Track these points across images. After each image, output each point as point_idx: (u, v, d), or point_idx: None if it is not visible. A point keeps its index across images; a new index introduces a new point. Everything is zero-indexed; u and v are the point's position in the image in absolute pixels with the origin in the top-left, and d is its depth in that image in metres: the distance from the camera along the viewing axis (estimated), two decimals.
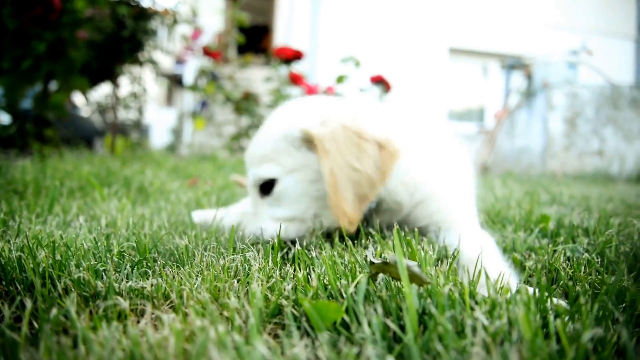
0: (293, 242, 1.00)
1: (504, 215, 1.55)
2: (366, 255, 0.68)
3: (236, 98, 4.75)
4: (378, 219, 1.13)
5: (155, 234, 1.01)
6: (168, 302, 0.67)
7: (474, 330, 0.53)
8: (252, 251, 0.82)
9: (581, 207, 1.88)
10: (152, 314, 0.61)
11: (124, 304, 0.58)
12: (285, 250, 0.96)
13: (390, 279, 0.66)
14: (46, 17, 3.54)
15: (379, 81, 4.13)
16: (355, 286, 0.62)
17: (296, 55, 5.13)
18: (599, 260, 0.91)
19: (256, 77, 5.73)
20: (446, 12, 8.59)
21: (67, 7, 3.93)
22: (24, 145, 3.77)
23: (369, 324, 0.56)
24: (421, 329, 0.58)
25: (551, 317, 0.58)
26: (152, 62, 4.81)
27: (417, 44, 8.39)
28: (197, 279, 0.72)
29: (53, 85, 4.18)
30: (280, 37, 9.06)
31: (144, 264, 0.80)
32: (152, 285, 0.67)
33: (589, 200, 2.17)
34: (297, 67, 5.25)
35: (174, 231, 1.03)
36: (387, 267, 0.63)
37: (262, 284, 0.66)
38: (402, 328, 0.58)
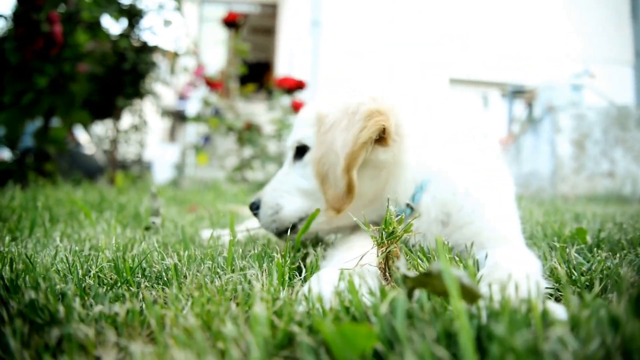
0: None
1: (531, 232, 1.41)
2: (398, 268, 0.54)
3: (238, 128, 4.68)
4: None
5: (143, 255, 0.87)
6: (149, 330, 0.53)
7: (556, 358, 0.39)
8: (254, 269, 0.68)
9: (611, 223, 1.74)
10: (117, 344, 0.47)
11: (82, 332, 0.44)
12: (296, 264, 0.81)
13: (430, 296, 0.53)
14: (48, 51, 3.50)
15: None
16: (390, 305, 0.48)
17: (298, 85, 5.10)
18: None
19: (258, 110, 5.69)
20: (446, 43, 8.66)
21: (69, 41, 3.92)
22: (23, 178, 3.67)
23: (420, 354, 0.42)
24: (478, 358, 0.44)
25: None
26: (153, 94, 4.78)
27: (417, 75, 8.42)
28: (186, 303, 0.58)
29: (55, 120, 4.14)
30: (282, 71, 9.13)
31: (124, 286, 0.67)
32: (127, 310, 0.53)
33: (614, 218, 2.03)
34: (300, 97, 5.21)
35: (164, 252, 0.89)
36: (428, 279, 0.49)
37: (266, 307, 0.52)
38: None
